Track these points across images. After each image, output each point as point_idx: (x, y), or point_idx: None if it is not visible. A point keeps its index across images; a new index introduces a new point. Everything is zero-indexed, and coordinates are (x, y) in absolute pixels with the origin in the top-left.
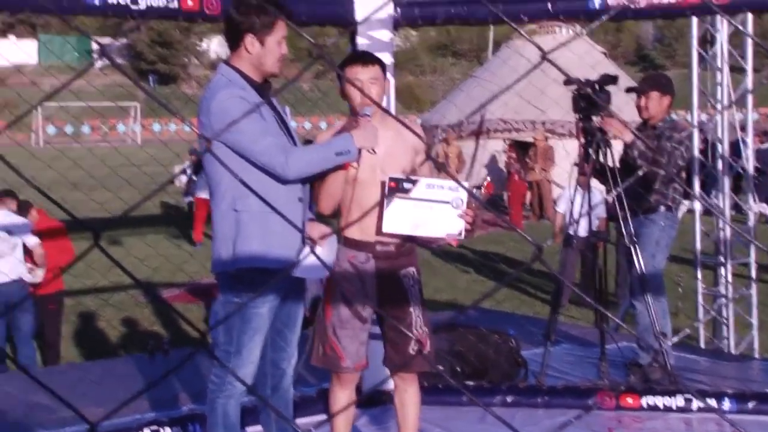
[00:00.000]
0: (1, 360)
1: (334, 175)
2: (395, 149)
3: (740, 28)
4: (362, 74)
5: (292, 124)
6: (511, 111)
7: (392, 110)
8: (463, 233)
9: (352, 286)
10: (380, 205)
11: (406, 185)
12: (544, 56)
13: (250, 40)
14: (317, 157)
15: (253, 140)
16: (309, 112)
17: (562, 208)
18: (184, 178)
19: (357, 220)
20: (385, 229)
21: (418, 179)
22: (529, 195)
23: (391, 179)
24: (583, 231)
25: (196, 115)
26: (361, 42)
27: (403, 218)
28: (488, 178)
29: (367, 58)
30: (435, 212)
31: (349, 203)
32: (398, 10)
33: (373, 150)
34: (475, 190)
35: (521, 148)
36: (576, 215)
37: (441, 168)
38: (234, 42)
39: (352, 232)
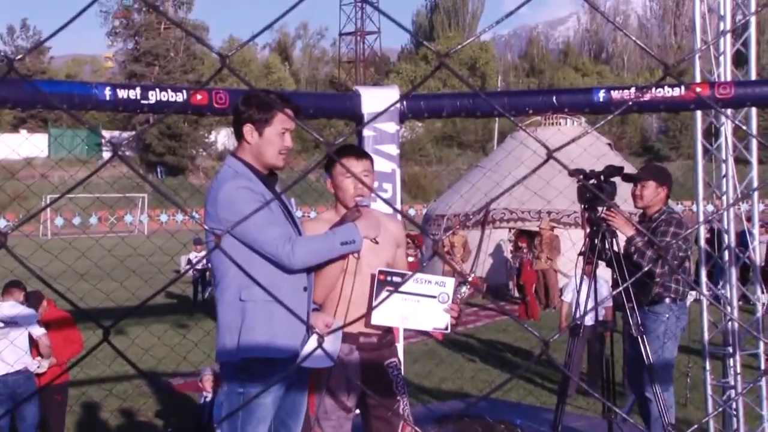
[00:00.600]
0: None
1: (332, 266)
2: (382, 242)
3: (741, 126)
4: (356, 167)
5: (298, 214)
6: (516, 201)
7: (398, 201)
8: (449, 327)
9: (337, 376)
10: (369, 296)
11: (395, 278)
12: (550, 154)
13: (248, 130)
14: (323, 247)
15: (260, 230)
16: (315, 202)
17: (568, 297)
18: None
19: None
20: (374, 321)
21: (406, 273)
22: None
23: (381, 272)
24: (589, 320)
25: (203, 205)
26: (368, 134)
27: (392, 311)
28: (473, 273)
29: (360, 152)
30: (422, 306)
31: (337, 293)
32: (404, 102)
33: (376, 240)
34: (462, 284)
35: (529, 238)
36: (582, 304)
37: (444, 259)
38: (237, 132)
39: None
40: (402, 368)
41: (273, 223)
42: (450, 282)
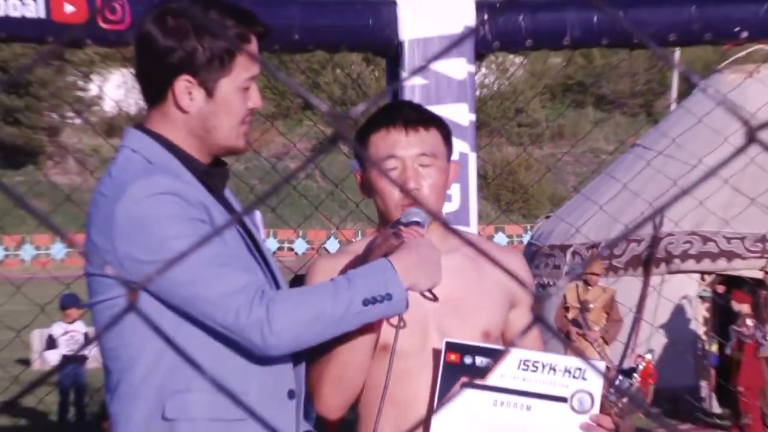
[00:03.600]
0: None
1: (351, 345)
2: (469, 293)
3: None
4: (405, 147)
5: (271, 244)
6: (716, 218)
7: (472, 216)
8: None
9: None
10: (431, 395)
11: (480, 361)
12: (752, 135)
13: (184, 88)
14: (326, 310)
15: (202, 280)
16: (308, 220)
17: None
18: (53, 359)
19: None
20: None
21: (505, 350)
22: None
23: (450, 347)
24: None
25: (84, 229)
26: (415, 83)
27: (472, 427)
28: (649, 355)
29: (414, 116)
30: (535, 419)
31: (375, 397)
32: (486, 22)
33: (433, 294)
34: (621, 378)
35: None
36: None
37: (561, 339)
38: (155, 90)
39: None
40: None
41: (227, 264)
42: (596, 371)
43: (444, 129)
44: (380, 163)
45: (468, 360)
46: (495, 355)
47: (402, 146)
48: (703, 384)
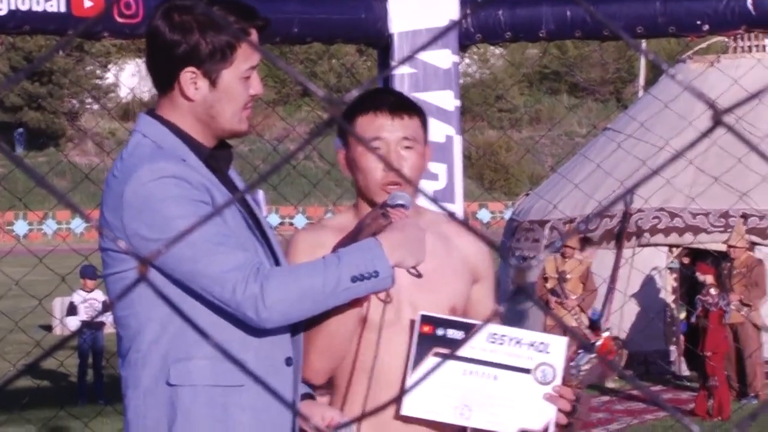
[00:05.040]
0: None
1: (338, 318)
2: (438, 270)
3: None
4: (390, 130)
5: (271, 219)
6: (682, 195)
7: (458, 194)
8: (551, 429)
9: None
10: (405, 365)
11: (452, 332)
12: (718, 118)
13: (190, 78)
14: (317, 286)
15: (202, 257)
16: (307, 197)
17: None
18: (73, 325)
19: (387, 404)
20: (406, 410)
21: (474, 324)
22: None
23: (424, 319)
24: None
25: (99, 207)
26: (403, 72)
27: (445, 394)
28: (608, 331)
29: (396, 102)
30: (502, 387)
31: (352, 366)
32: (469, 16)
33: (417, 271)
34: (581, 352)
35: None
36: None
37: (541, 307)
38: (163, 80)
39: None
40: None
41: (225, 242)
42: (559, 344)
43: (423, 117)
44: (368, 142)
45: (440, 332)
46: (465, 328)
47: (387, 130)
48: (673, 348)
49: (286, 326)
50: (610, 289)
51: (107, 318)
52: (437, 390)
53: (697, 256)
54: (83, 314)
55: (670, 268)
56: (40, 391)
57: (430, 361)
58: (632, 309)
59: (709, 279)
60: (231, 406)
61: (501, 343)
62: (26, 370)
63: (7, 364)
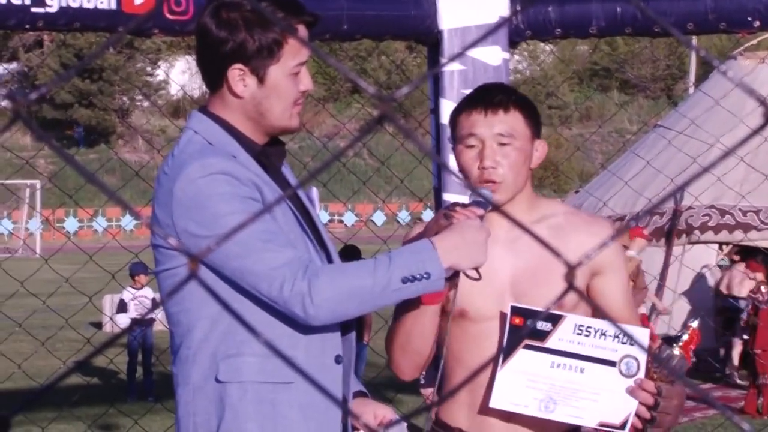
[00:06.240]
0: None
1: (414, 314)
2: (547, 263)
3: None
4: (483, 127)
5: (323, 217)
6: (733, 192)
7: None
8: (630, 423)
9: None
10: (495, 359)
11: (541, 325)
12: None
13: (238, 75)
14: (366, 286)
15: (251, 254)
16: (356, 194)
17: None
18: (123, 322)
19: (456, 389)
20: (495, 402)
21: (562, 315)
22: None
23: (515, 311)
24: None
25: (149, 204)
26: (452, 68)
27: (530, 386)
28: (694, 322)
29: (495, 98)
30: (587, 381)
31: (446, 360)
32: (519, 13)
33: (478, 272)
34: (663, 346)
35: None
36: None
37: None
38: (212, 77)
39: (451, 413)
40: None
41: (273, 239)
42: (643, 335)
43: (526, 111)
44: (463, 140)
45: (530, 324)
46: (554, 320)
47: (481, 125)
48: (723, 350)
49: (336, 324)
50: (660, 287)
51: (157, 315)
52: (525, 382)
53: (747, 253)
54: (133, 311)
55: (720, 266)
56: (90, 388)
57: (520, 353)
58: (682, 307)
59: (759, 276)
60: (279, 403)
61: (587, 335)
62: (76, 367)
63: (58, 362)
